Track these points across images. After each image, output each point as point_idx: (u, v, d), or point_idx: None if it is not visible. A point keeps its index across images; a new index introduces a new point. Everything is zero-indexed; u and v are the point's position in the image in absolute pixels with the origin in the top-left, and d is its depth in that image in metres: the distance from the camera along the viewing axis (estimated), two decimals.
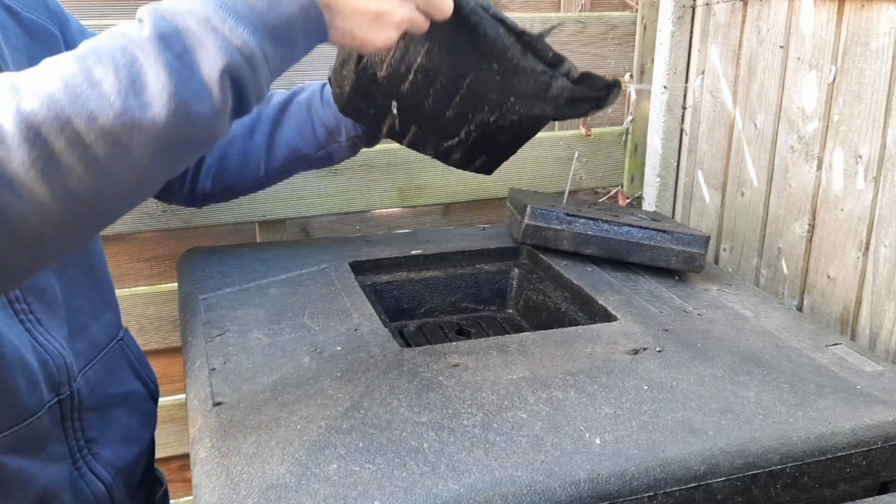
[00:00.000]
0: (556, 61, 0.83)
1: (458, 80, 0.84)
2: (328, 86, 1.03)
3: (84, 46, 0.55)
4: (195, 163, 1.03)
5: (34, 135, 0.51)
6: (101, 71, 0.53)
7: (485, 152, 0.95)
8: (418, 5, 0.70)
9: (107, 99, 0.52)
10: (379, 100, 0.88)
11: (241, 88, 0.58)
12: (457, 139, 0.91)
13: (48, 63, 0.54)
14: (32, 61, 0.78)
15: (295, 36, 0.61)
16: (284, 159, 1.05)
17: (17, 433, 0.73)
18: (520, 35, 0.81)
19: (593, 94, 0.86)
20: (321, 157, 1.05)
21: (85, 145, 0.52)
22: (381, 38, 0.67)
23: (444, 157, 0.96)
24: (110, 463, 0.83)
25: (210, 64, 0.56)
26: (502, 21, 0.80)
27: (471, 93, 0.84)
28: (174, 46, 0.55)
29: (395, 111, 0.89)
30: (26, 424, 0.74)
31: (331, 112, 1.01)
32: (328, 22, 0.63)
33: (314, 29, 0.62)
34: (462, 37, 0.80)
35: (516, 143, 0.95)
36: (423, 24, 0.71)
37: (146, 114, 0.53)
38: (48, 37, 0.82)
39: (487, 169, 0.99)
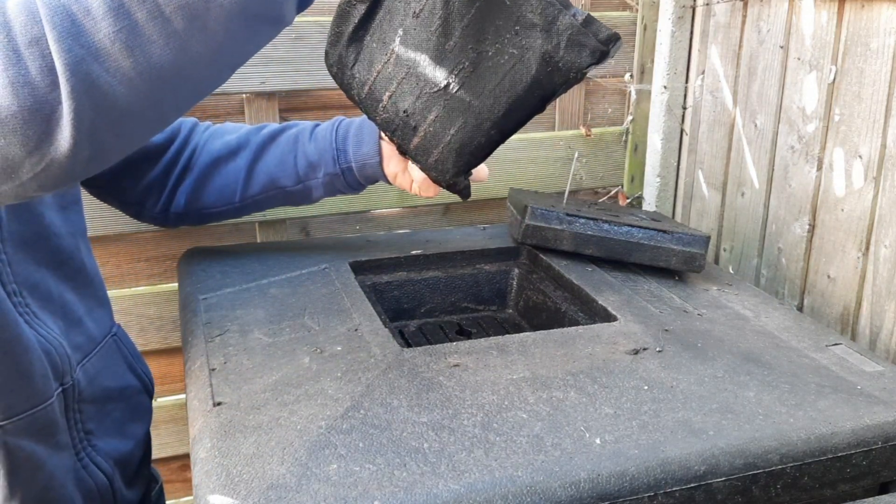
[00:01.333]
0: (565, 1, 0.82)
1: (470, 2, 0.82)
2: (318, 127, 1.04)
3: None
4: (171, 179, 1.04)
5: (118, 5, 0.52)
6: None
7: (464, 114, 0.87)
8: None
9: None
10: (385, 28, 0.86)
11: None
12: (446, 81, 0.86)
13: None
14: None
15: None
16: (262, 188, 1.05)
17: (33, 417, 0.75)
18: None
19: (595, 42, 0.84)
20: (298, 190, 1.05)
21: (164, 17, 0.53)
22: None
23: (419, 119, 0.89)
24: (108, 454, 0.85)
25: None
26: None
27: (478, 17, 0.82)
28: None
29: (398, 41, 0.86)
30: (40, 409, 0.75)
31: (315, 148, 1.02)
32: None
33: None
34: None
35: (500, 107, 0.87)
36: None
37: None
38: None
39: (455, 158, 0.89)
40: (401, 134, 0.89)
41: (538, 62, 0.84)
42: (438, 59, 0.86)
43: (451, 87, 0.86)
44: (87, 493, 0.82)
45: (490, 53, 0.84)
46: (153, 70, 0.54)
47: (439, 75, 0.86)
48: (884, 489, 0.76)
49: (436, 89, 0.87)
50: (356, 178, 1.03)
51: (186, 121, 1.06)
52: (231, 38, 0.57)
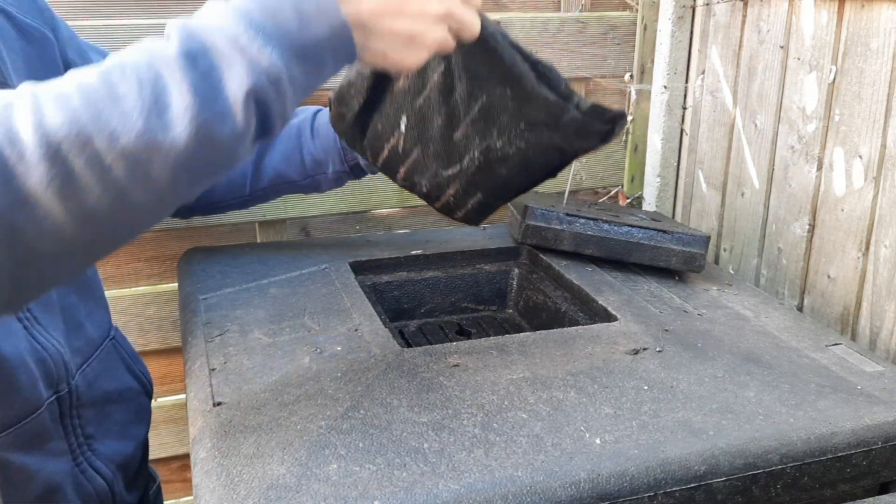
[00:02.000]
0: (567, 93, 0.83)
1: (472, 101, 0.83)
2: (319, 116, 1.03)
3: (109, 61, 0.54)
4: None
5: (54, 152, 0.49)
6: (126, 87, 0.52)
7: (481, 189, 0.90)
8: (450, 26, 0.68)
9: (129, 117, 0.51)
10: (390, 114, 0.87)
11: (265, 111, 0.57)
12: (458, 167, 0.88)
13: (72, 76, 0.53)
14: (28, 64, 0.78)
15: (324, 58, 0.59)
16: (270, 181, 1.05)
17: (20, 430, 0.74)
18: (535, 64, 0.81)
19: (601, 126, 0.86)
20: (308, 184, 1.06)
21: (104, 166, 0.51)
22: (414, 58, 0.66)
23: (439, 192, 0.92)
24: (109, 458, 0.84)
25: (236, 85, 0.54)
26: (518, 49, 0.80)
27: (482, 115, 0.84)
28: (200, 65, 0.53)
29: (403, 128, 0.87)
30: (28, 421, 0.74)
31: (319, 145, 1.02)
32: (360, 43, 0.61)
33: (344, 50, 0.60)
34: (480, 59, 0.80)
35: (515, 181, 0.90)
36: (451, 45, 0.70)
37: (167, 134, 0.52)
38: (43, 40, 0.82)
39: (478, 214, 0.94)
40: (423, 197, 0.93)
41: (548, 152, 0.86)
42: (447, 148, 0.87)
43: (464, 171, 0.88)
44: (86, 499, 0.81)
45: (498, 145, 0.85)
46: (87, 217, 0.52)
47: (451, 161, 0.88)
48: (884, 489, 0.76)
49: (448, 174, 0.88)
50: (364, 170, 1.04)
51: None
52: (176, 184, 0.55)
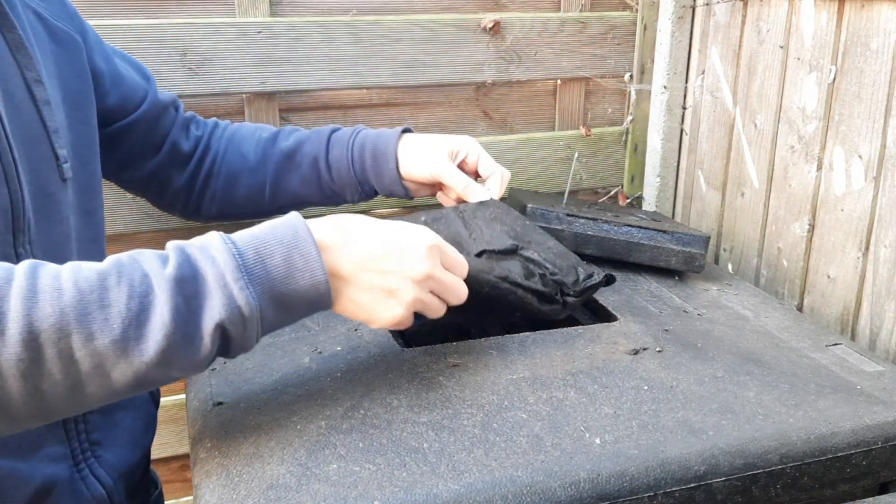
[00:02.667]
0: (564, 302, 0.90)
1: (480, 316, 0.92)
2: (332, 145, 1.05)
3: (111, 261, 0.60)
4: (197, 185, 1.06)
5: (32, 339, 0.54)
6: (116, 295, 0.57)
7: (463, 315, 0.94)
8: (433, 289, 0.72)
9: (109, 324, 0.56)
10: None
11: (227, 341, 0.62)
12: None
13: (72, 271, 0.58)
14: (58, 67, 0.80)
15: (297, 305, 0.65)
16: (290, 202, 1.08)
17: (11, 435, 0.72)
18: (540, 294, 0.87)
19: (594, 289, 0.93)
20: (329, 203, 1.10)
21: (73, 360, 0.55)
22: (390, 314, 0.70)
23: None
24: (113, 466, 0.83)
25: (210, 315, 0.59)
26: (519, 286, 0.85)
27: (483, 303, 0.88)
28: (186, 290, 0.59)
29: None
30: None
31: (337, 177, 1.05)
32: (339, 292, 0.68)
33: (318, 302, 0.66)
34: (483, 302, 0.84)
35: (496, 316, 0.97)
36: (437, 308, 0.73)
37: (138, 346, 0.57)
38: (73, 44, 0.84)
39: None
40: None
41: (547, 315, 0.90)
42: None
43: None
44: None
45: (504, 312, 0.90)
46: (36, 397, 0.56)
47: None
48: (884, 489, 0.76)
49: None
50: (385, 196, 1.07)
51: (206, 123, 1.07)
52: (128, 388, 0.59)
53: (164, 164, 1.02)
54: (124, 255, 0.61)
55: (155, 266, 0.60)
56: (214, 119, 1.09)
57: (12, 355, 0.54)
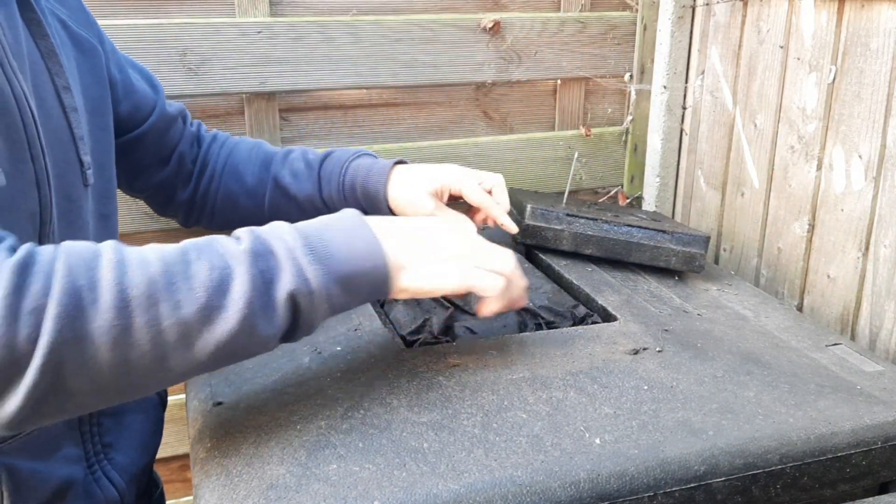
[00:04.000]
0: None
1: None
2: (323, 181, 1.04)
3: (186, 243, 0.62)
4: (198, 199, 1.07)
5: (124, 306, 0.55)
6: (198, 267, 0.60)
7: None
8: (479, 264, 0.75)
9: (194, 293, 0.58)
10: None
11: (296, 316, 0.64)
12: None
13: (153, 248, 0.61)
14: (81, 73, 0.82)
15: (360, 287, 0.68)
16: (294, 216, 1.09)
17: (29, 436, 0.73)
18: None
19: None
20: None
21: (160, 329, 0.57)
22: (453, 280, 0.74)
23: None
24: (124, 468, 0.84)
25: (282, 286, 0.62)
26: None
27: None
28: (261, 263, 0.62)
29: None
30: (38, 429, 0.74)
31: (335, 210, 1.06)
32: (398, 274, 0.70)
33: (381, 284, 0.69)
34: None
35: None
36: (492, 280, 0.75)
37: (221, 314, 0.59)
38: (94, 51, 0.86)
39: None
40: None
41: None
42: None
43: None
44: None
45: None
46: (125, 368, 0.57)
47: None
48: (884, 489, 0.76)
49: None
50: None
51: (205, 137, 1.08)
52: (207, 362, 0.61)
53: (170, 177, 1.04)
54: (198, 238, 0.64)
55: (229, 244, 0.63)
56: (214, 132, 1.09)
57: (105, 322, 0.55)
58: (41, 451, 0.75)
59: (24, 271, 0.54)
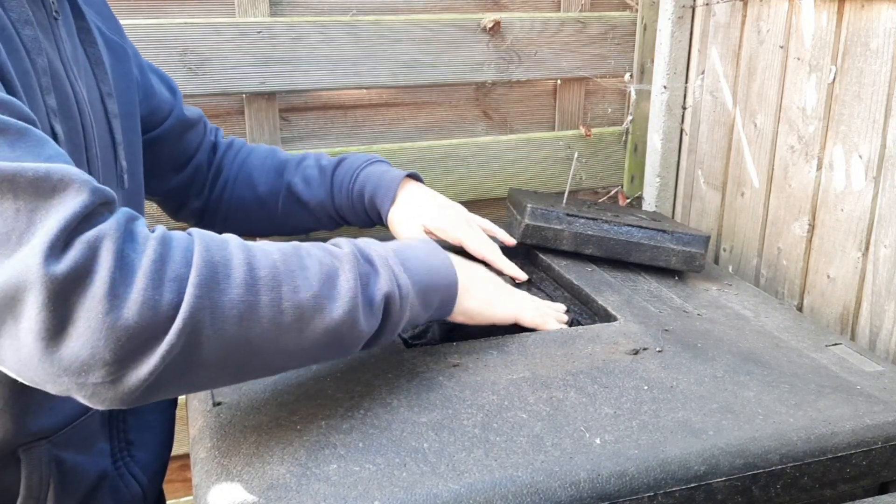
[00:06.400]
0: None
1: None
2: (335, 190, 1.07)
3: (296, 242, 0.68)
4: (211, 206, 1.09)
5: (252, 282, 0.60)
6: (310, 261, 0.65)
7: None
8: (519, 316, 0.88)
9: (309, 281, 0.63)
10: None
11: (386, 318, 0.69)
12: None
13: (267, 243, 0.66)
14: (114, 78, 0.85)
15: (433, 300, 0.76)
16: (302, 231, 1.14)
17: (74, 429, 0.76)
18: None
19: None
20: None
21: (280, 309, 0.61)
22: (510, 306, 0.87)
23: None
24: (146, 465, 0.85)
25: (379, 287, 0.68)
26: None
27: None
28: (363, 264, 0.68)
29: None
30: (80, 422, 0.76)
31: (348, 219, 1.10)
32: (459, 297, 0.79)
33: (449, 300, 0.79)
34: None
35: None
36: (543, 310, 0.92)
37: (331, 303, 0.64)
38: (124, 55, 0.89)
39: None
40: None
41: None
42: None
43: None
44: (120, 503, 0.83)
45: None
46: (243, 344, 0.60)
47: None
48: (884, 489, 0.76)
49: None
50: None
51: (220, 144, 1.10)
52: (312, 351, 0.65)
53: (184, 186, 1.06)
54: (302, 244, 0.69)
55: (333, 247, 0.69)
56: (231, 138, 1.11)
57: (236, 297, 0.58)
58: (83, 445, 0.77)
59: (166, 244, 0.58)
